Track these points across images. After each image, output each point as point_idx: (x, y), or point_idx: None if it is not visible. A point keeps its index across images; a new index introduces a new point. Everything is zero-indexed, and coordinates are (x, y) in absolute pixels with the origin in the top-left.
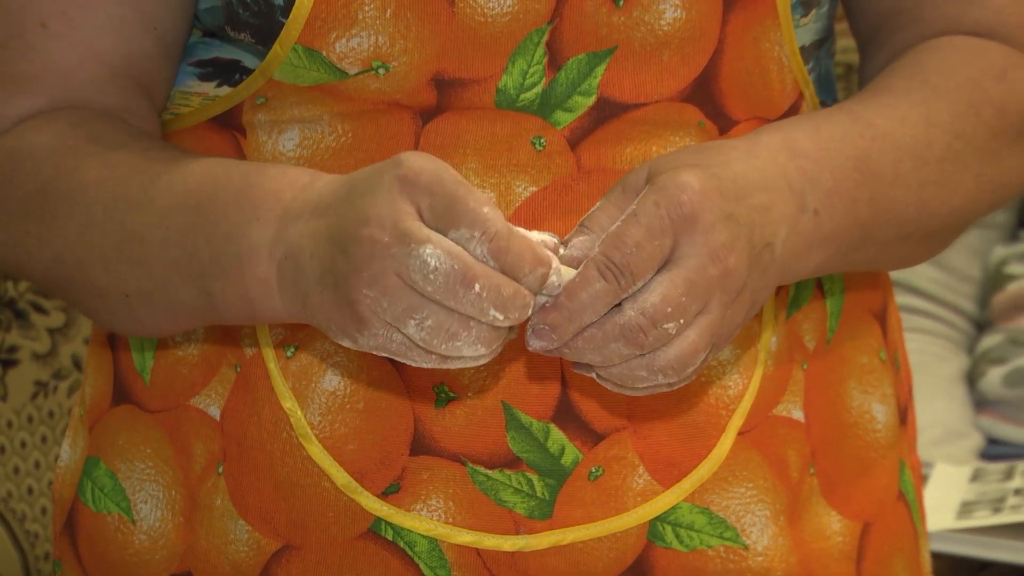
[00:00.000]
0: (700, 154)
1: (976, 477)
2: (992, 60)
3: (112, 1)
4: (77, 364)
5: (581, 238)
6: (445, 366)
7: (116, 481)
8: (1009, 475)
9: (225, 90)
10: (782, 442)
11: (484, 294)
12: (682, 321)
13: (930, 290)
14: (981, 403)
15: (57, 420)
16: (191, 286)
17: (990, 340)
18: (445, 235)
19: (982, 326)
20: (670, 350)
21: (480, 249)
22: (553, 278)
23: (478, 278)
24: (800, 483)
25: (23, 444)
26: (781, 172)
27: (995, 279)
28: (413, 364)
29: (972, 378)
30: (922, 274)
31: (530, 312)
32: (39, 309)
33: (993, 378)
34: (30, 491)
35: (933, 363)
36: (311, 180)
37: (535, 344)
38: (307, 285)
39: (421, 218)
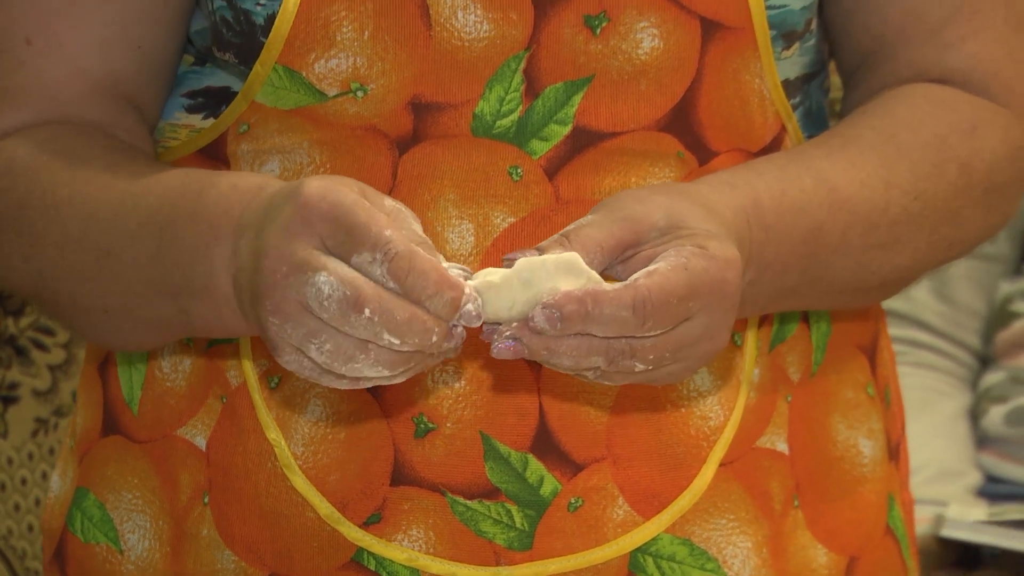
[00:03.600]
0: (712, 216)
1: (994, 505)
2: (962, 115)
3: (97, 20)
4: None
5: (558, 250)
6: (357, 386)
7: (104, 511)
8: None
9: (210, 122)
10: (765, 474)
11: (376, 318)
12: (653, 366)
13: (935, 324)
14: (983, 440)
15: (58, 457)
16: (168, 304)
17: (993, 377)
18: (348, 260)
19: (985, 361)
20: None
21: (380, 271)
22: (469, 306)
23: (368, 303)
24: (784, 515)
25: (23, 481)
26: (749, 242)
27: (1000, 316)
28: (328, 385)
29: (974, 415)
30: (928, 308)
31: (435, 339)
32: (40, 346)
33: (995, 416)
34: (30, 528)
35: (937, 400)
36: (256, 193)
37: (503, 354)
38: (245, 304)
39: (324, 245)
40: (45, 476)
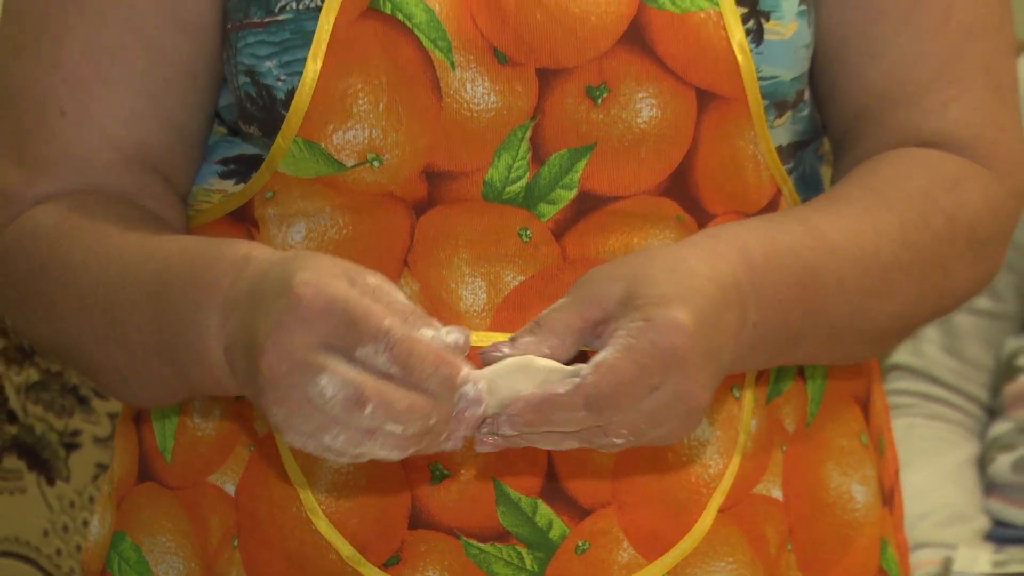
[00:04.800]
0: (674, 275)
1: (998, 551)
2: (945, 172)
3: (129, 93)
4: None
5: (528, 339)
6: (362, 460)
7: (140, 554)
8: None
9: (241, 187)
10: (761, 519)
11: (378, 412)
12: (633, 438)
13: (946, 379)
14: (990, 487)
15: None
16: (169, 368)
17: (1000, 427)
18: (351, 353)
19: (993, 412)
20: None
21: (383, 360)
22: (468, 387)
23: (370, 400)
24: (778, 558)
25: (84, 523)
26: (735, 284)
27: (1007, 370)
28: (335, 460)
29: (982, 463)
30: (939, 363)
31: (435, 420)
32: (100, 395)
33: (1002, 464)
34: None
35: (947, 449)
36: (243, 265)
37: (484, 447)
38: (240, 377)
39: (324, 341)
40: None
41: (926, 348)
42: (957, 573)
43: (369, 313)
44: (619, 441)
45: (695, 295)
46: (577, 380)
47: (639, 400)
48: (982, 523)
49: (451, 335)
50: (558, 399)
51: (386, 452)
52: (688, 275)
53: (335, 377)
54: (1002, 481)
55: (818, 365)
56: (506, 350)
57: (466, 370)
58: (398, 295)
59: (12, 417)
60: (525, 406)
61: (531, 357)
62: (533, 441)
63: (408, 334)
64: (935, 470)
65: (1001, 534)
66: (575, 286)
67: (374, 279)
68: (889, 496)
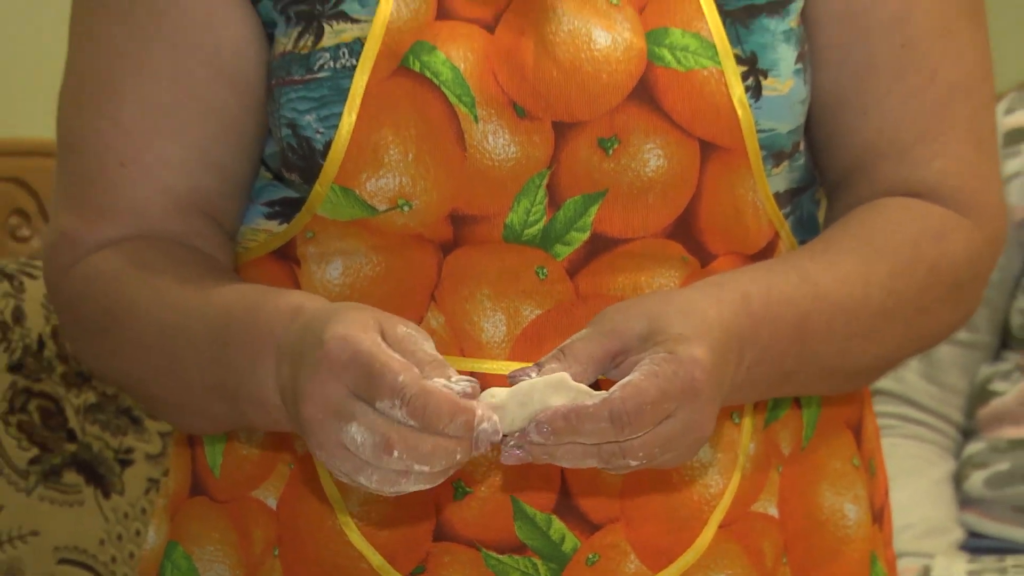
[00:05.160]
0: (689, 318)
1: (972, 561)
2: (931, 223)
3: (181, 145)
4: None
5: (553, 365)
6: (401, 493)
7: (191, 562)
8: (1001, 562)
9: (284, 227)
10: (759, 535)
11: (404, 456)
12: (646, 460)
13: (925, 402)
14: (965, 502)
15: (151, 514)
16: (227, 406)
17: (974, 447)
18: (373, 404)
19: (968, 433)
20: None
21: (400, 414)
22: (484, 425)
23: (395, 445)
24: (774, 571)
25: (137, 532)
26: (737, 330)
27: (981, 394)
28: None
29: (958, 480)
30: (918, 389)
31: (461, 456)
32: (151, 416)
33: (976, 480)
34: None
35: (926, 467)
36: (294, 316)
37: (510, 460)
38: (293, 418)
39: (354, 392)
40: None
41: (907, 375)
42: None
43: (386, 369)
44: (633, 463)
45: (708, 336)
46: (605, 395)
47: (656, 423)
48: (958, 535)
49: (460, 384)
50: (586, 410)
51: (420, 486)
52: (701, 318)
53: (363, 425)
54: (976, 496)
55: (813, 396)
56: (533, 375)
57: (480, 411)
58: (425, 344)
59: (72, 436)
60: (555, 415)
61: (565, 375)
62: (556, 456)
63: (423, 388)
64: (915, 486)
65: (975, 544)
66: (596, 320)
67: (404, 329)
68: (879, 514)
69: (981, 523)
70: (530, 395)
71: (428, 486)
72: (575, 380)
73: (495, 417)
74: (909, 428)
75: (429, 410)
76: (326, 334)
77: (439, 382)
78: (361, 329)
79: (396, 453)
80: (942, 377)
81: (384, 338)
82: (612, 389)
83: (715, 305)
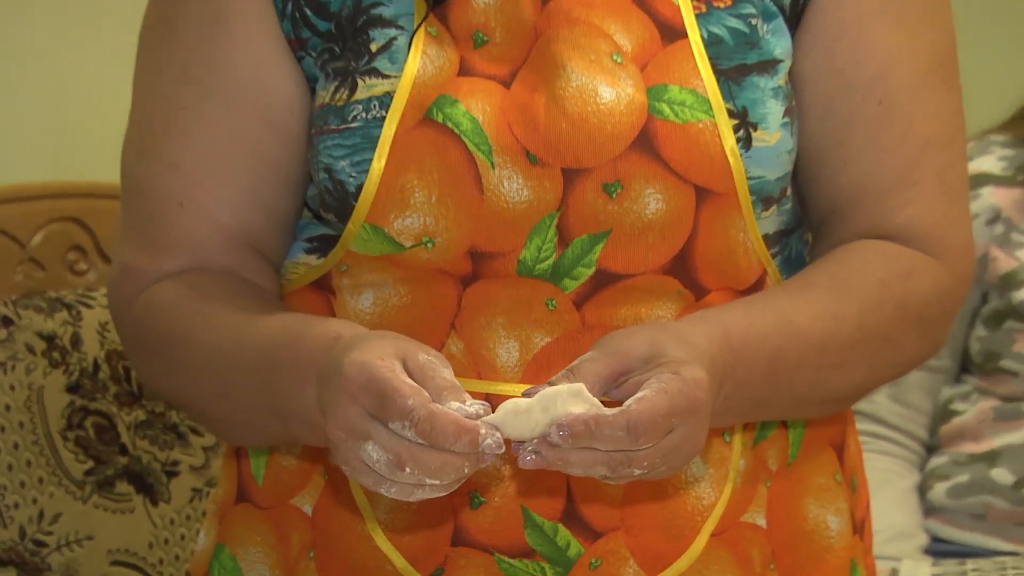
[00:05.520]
0: (684, 346)
1: (936, 564)
2: (900, 264)
3: (233, 188)
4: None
5: (564, 384)
6: (420, 499)
7: (236, 562)
8: (962, 565)
9: (321, 261)
10: (748, 543)
11: (416, 472)
12: (647, 471)
13: (893, 421)
14: (929, 510)
15: (203, 519)
16: (277, 425)
17: (937, 461)
18: (387, 425)
19: (931, 449)
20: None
21: (410, 434)
22: (488, 440)
23: (407, 463)
24: None
25: (182, 537)
26: (720, 362)
27: (943, 414)
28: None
29: (923, 490)
30: (887, 409)
31: (468, 469)
32: (195, 432)
33: (939, 491)
34: (188, 574)
35: (893, 479)
36: (332, 344)
37: (526, 464)
38: None
39: (370, 413)
40: (198, 533)
41: (876, 397)
42: None
43: (397, 393)
44: (637, 472)
45: (703, 358)
46: (623, 409)
47: (663, 435)
48: (922, 540)
49: (472, 407)
50: (606, 418)
51: (435, 495)
52: (694, 347)
53: (378, 444)
54: (939, 505)
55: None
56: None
57: (483, 429)
58: (443, 371)
59: (123, 450)
60: (576, 419)
61: (583, 386)
62: (569, 462)
63: (430, 411)
64: (884, 496)
65: (938, 549)
66: (601, 343)
67: (425, 357)
68: (860, 526)
69: (944, 530)
70: (554, 400)
71: (442, 494)
72: (590, 397)
73: (497, 434)
74: (878, 444)
75: (436, 431)
76: (344, 360)
77: (454, 405)
78: (378, 356)
79: (408, 469)
80: (908, 398)
81: (406, 364)
82: (627, 402)
83: (703, 337)
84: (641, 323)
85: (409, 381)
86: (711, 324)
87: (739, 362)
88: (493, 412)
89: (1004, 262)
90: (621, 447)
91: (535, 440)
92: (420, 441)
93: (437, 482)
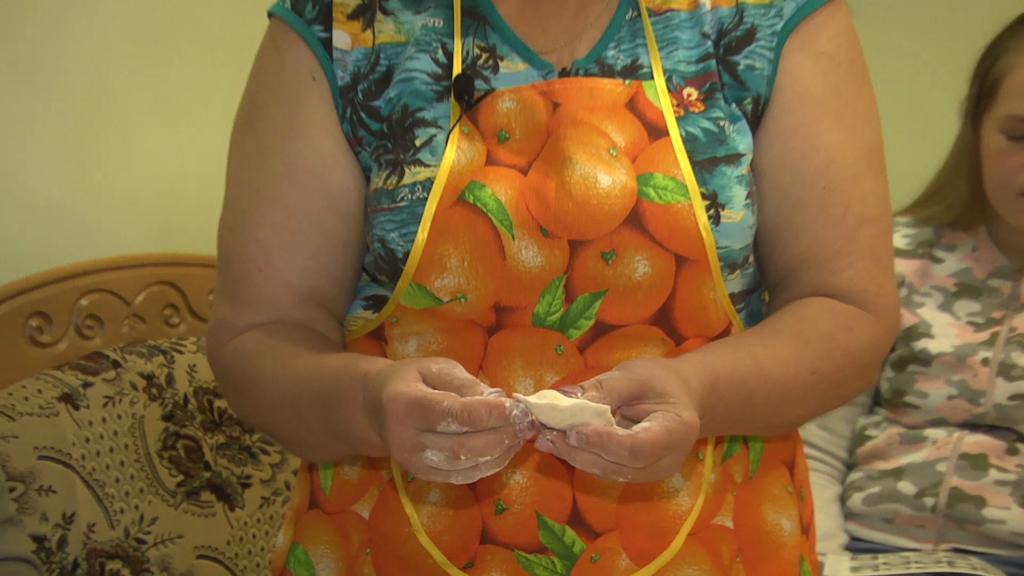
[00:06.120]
0: (688, 390)
1: (854, 559)
2: (844, 318)
3: (303, 256)
4: (287, 486)
5: (593, 393)
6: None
7: (308, 557)
8: (874, 560)
9: (375, 315)
10: (718, 541)
11: (469, 456)
12: (632, 480)
13: (820, 444)
14: (848, 515)
15: (275, 522)
16: (337, 443)
17: (854, 475)
18: (434, 430)
19: (850, 466)
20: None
21: (455, 427)
22: (516, 412)
23: (460, 452)
24: (730, 568)
25: (253, 536)
26: (707, 405)
27: (859, 438)
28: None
29: (843, 499)
30: (815, 434)
31: (509, 441)
32: (264, 451)
33: (856, 500)
34: (258, 565)
35: (819, 490)
36: (363, 381)
37: (541, 447)
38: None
39: (419, 427)
40: (267, 533)
41: (807, 425)
42: (827, 574)
43: (433, 402)
44: (623, 479)
45: (696, 405)
46: (632, 433)
47: (655, 461)
48: (843, 539)
49: (490, 394)
50: (617, 437)
51: (493, 470)
52: (691, 392)
53: (433, 448)
54: (856, 511)
55: (758, 439)
56: (578, 392)
57: (508, 401)
58: (457, 371)
59: (207, 466)
60: (593, 431)
61: (608, 408)
62: (574, 458)
63: (463, 402)
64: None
65: (856, 546)
66: (626, 366)
67: (437, 366)
68: (806, 528)
69: (860, 531)
70: (583, 411)
71: (497, 469)
72: (601, 404)
73: (521, 405)
74: (808, 463)
75: (472, 415)
76: (382, 397)
77: (472, 399)
78: (405, 384)
79: (463, 457)
80: (831, 426)
81: (425, 379)
82: (635, 428)
83: (697, 381)
84: (657, 357)
85: (438, 390)
86: (706, 369)
87: (720, 402)
88: (506, 399)
89: (907, 318)
90: (621, 462)
91: (555, 432)
92: (463, 430)
93: (489, 458)
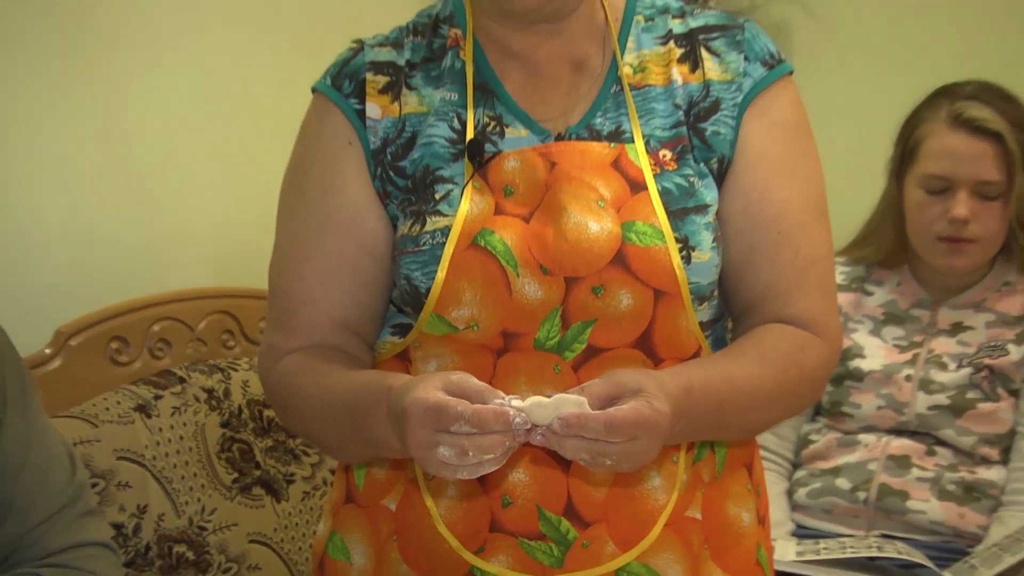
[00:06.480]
0: (663, 390)
1: (799, 543)
2: (798, 341)
3: (340, 292)
4: (324, 482)
5: (577, 395)
6: (480, 473)
7: (344, 543)
8: (816, 544)
9: (401, 340)
10: (689, 531)
11: (475, 454)
12: (614, 464)
13: (771, 447)
14: (794, 507)
15: (314, 512)
16: (370, 449)
17: (799, 473)
18: (448, 430)
19: (796, 465)
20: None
21: (466, 428)
22: (517, 419)
23: (468, 450)
24: (699, 554)
25: (296, 524)
26: (682, 407)
27: (803, 442)
28: (464, 477)
29: (790, 493)
30: (767, 439)
31: (509, 442)
32: (305, 453)
33: (801, 494)
34: (299, 549)
35: (770, 485)
36: (387, 393)
37: (536, 442)
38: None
39: (435, 428)
40: (307, 522)
41: None
42: (777, 559)
43: (448, 406)
44: (608, 462)
45: (669, 399)
46: (606, 411)
47: (629, 438)
48: (790, 527)
49: (497, 400)
50: (592, 416)
51: (493, 467)
52: (666, 391)
53: (446, 446)
54: (801, 503)
55: (722, 444)
56: (569, 395)
57: (512, 411)
58: (472, 380)
59: (258, 466)
60: (572, 415)
61: (584, 400)
62: (564, 447)
63: (474, 408)
64: None
65: (801, 533)
66: (606, 375)
67: (456, 376)
68: (762, 519)
69: (804, 520)
70: (564, 403)
71: (498, 466)
72: (588, 407)
73: (523, 415)
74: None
75: (482, 419)
76: (405, 402)
77: (497, 402)
78: (424, 391)
79: (471, 454)
80: (781, 432)
81: (446, 388)
82: (609, 409)
83: (672, 386)
84: (635, 368)
85: (453, 397)
86: (681, 378)
87: (694, 408)
88: (508, 406)
89: (844, 342)
90: (599, 438)
91: (544, 427)
92: (472, 431)
93: (491, 456)
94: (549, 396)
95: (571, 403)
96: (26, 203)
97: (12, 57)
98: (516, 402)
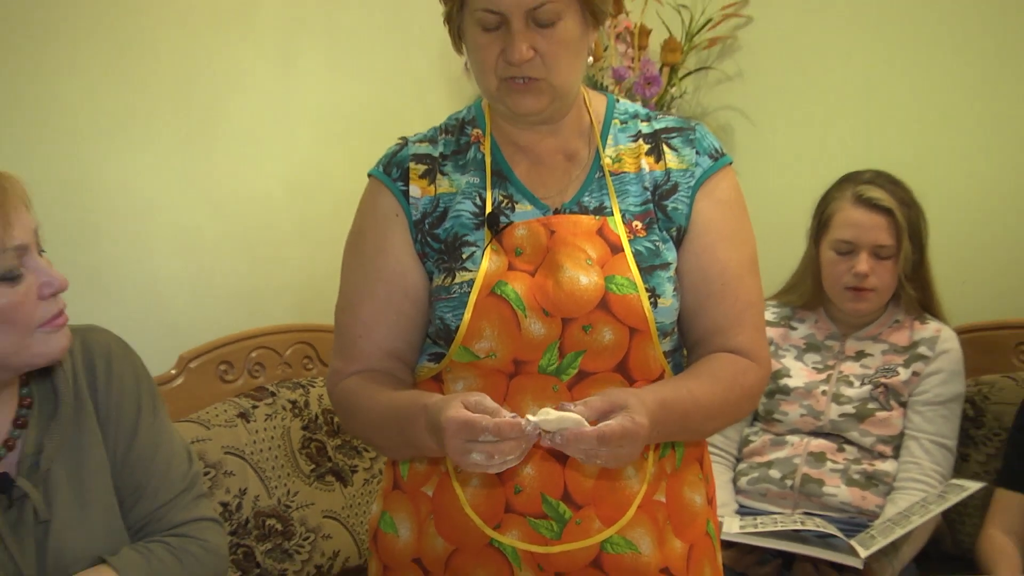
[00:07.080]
0: (644, 407)
1: (741, 520)
2: (739, 366)
3: (387, 328)
4: (380, 472)
5: (581, 408)
6: (503, 468)
7: (392, 520)
8: (755, 520)
9: (436, 366)
10: (656, 511)
11: (499, 456)
12: (602, 463)
13: (720, 445)
14: (737, 491)
15: (372, 495)
16: (411, 450)
17: (741, 466)
18: (477, 440)
19: (739, 459)
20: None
21: (490, 438)
22: (528, 428)
23: (494, 454)
24: (663, 529)
25: (359, 504)
26: (657, 418)
27: (744, 441)
28: (491, 472)
29: (735, 480)
30: (717, 439)
31: (524, 445)
32: (366, 450)
33: (743, 481)
34: (361, 523)
35: (719, 475)
36: (423, 411)
37: (544, 443)
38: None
39: (467, 439)
40: (367, 502)
41: None
42: (724, 531)
43: (476, 422)
44: (599, 462)
45: (648, 413)
46: (598, 428)
47: (616, 447)
48: (734, 507)
49: (510, 415)
50: (586, 433)
51: (512, 464)
52: (644, 404)
53: (476, 452)
54: (742, 489)
55: (680, 444)
56: (572, 406)
57: (523, 422)
58: (487, 401)
59: (329, 459)
60: (571, 432)
61: (584, 420)
62: (565, 446)
63: (495, 423)
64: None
65: (742, 511)
66: (603, 393)
67: (475, 396)
68: (711, 501)
69: (745, 501)
70: (567, 420)
71: (516, 463)
72: (585, 416)
73: (532, 422)
74: (713, 457)
75: (502, 430)
76: (441, 419)
77: (500, 419)
78: (455, 411)
79: (496, 457)
80: (728, 433)
81: (466, 404)
82: (600, 425)
83: (651, 403)
84: (623, 388)
85: (477, 414)
86: (657, 394)
87: (666, 418)
88: (521, 419)
89: (775, 365)
90: (593, 448)
91: (550, 434)
92: (495, 439)
93: (512, 457)
94: (558, 408)
95: (572, 421)
96: (163, 263)
97: (154, 143)
98: (529, 416)
